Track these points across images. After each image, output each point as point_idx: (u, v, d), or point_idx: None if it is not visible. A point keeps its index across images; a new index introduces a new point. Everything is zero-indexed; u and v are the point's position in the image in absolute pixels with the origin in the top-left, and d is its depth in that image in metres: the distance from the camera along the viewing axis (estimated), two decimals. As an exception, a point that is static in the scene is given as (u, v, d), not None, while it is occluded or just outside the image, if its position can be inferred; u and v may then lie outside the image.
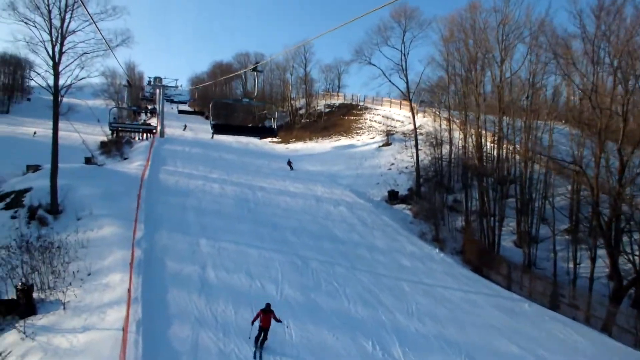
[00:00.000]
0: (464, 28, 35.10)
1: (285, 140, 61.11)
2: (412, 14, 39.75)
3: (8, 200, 27.53)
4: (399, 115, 55.36)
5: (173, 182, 32.24)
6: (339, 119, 63.41)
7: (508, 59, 34.21)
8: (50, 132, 27.97)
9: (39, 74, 27.34)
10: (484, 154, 34.18)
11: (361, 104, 65.55)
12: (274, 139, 63.55)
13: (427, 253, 24.69)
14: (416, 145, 37.97)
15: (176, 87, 55.00)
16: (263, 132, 28.29)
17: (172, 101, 64.98)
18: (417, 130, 48.84)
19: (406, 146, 45.64)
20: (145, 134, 51.06)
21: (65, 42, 25.94)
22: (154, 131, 47.28)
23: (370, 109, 62.51)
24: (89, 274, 17.75)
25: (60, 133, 26.85)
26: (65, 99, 73.01)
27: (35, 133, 58.02)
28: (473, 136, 34.25)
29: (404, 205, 34.89)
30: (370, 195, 36.63)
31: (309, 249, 22.18)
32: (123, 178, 31.50)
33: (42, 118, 62.83)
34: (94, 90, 76.04)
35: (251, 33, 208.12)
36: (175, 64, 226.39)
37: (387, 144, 48.39)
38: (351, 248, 23.26)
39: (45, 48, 25.57)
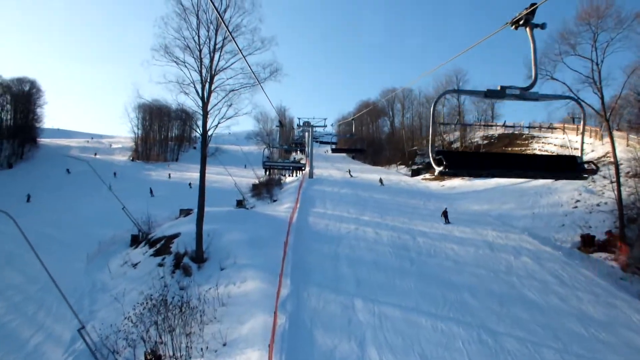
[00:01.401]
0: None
1: (440, 178, 55.59)
2: (606, 11, 31.50)
3: (158, 246, 26.73)
4: (577, 143, 46.73)
5: (323, 226, 29.11)
6: (501, 150, 56.23)
7: None
8: (208, 176, 26.96)
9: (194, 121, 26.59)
10: None
11: (526, 132, 57.67)
12: (427, 176, 58.75)
13: (666, 328, 17.53)
14: (617, 178, 30.08)
15: (324, 126, 53.35)
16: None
17: (320, 142, 63.80)
18: (606, 159, 40.47)
19: (593, 179, 37.60)
20: (295, 172, 50.35)
21: (214, 80, 24.68)
22: (303, 168, 45.89)
23: (537, 137, 54.42)
24: (224, 344, 14.67)
25: (215, 177, 26.03)
26: (220, 145, 76.68)
27: (190, 185, 60.47)
28: None
29: (604, 254, 27.32)
30: (556, 240, 29.62)
31: (498, 318, 16.75)
32: (271, 222, 29.29)
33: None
34: (247, 134, 79.09)
35: (398, 68, 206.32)
36: (323, 108, 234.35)
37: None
38: (555, 318, 17.24)
39: (195, 88, 24.55)
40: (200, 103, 24.48)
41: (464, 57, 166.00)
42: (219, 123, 24.86)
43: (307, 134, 56.62)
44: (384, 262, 22.66)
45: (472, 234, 29.56)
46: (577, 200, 34.92)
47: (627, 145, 40.23)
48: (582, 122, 8.16)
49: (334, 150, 56.69)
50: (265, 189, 50.87)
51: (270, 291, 18.09)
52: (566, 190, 37.69)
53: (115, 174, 66.49)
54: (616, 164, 30.48)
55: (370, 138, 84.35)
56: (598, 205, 33.03)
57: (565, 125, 51.48)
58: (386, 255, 23.83)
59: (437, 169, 6.56)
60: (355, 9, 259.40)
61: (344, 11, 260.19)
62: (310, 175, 51.52)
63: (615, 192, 29.76)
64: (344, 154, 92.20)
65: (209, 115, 24.65)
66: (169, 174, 71.53)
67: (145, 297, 18.23)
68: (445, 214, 32.51)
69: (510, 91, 6.67)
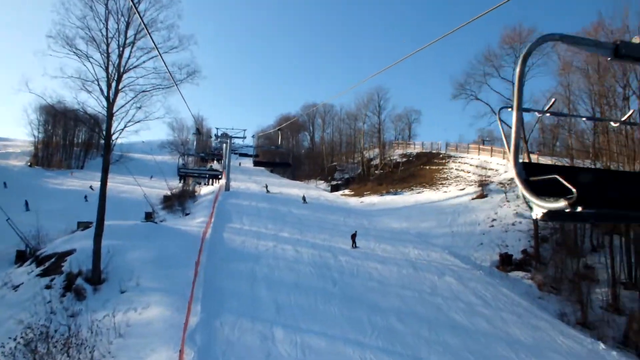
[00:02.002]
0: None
1: (359, 193, 55.34)
2: (527, 36, 32.62)
3: (47, 264, 23.15)
4: (491, 164, 48.29)
5: (239, 243, 26.92)
6: (419, 169, 57.15)
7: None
8: (116, 186, 23.80)
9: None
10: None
11: (443, 152, 59.14)
12: (346, 192, 58.25)
13: (591, 350, 17.36)
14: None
15: (244, 137, 50.96)
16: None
17: (240, 154, 61.05)
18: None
19: (507, 198, 38.67)
20: (211, 180, 47.19)
21: (123, 78, 21.89)
22: (220, 177, 43.19)
23: (454, 157, 55.92)
24: (119, 389, 12.17)
25: (125, 187, 22.89)
26: (132, 154, 71.66)
27: (92, 187, 55.72)
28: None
29: (522, 273, 27.64)
30: (475, 259, 29.65)
31: (429, 345, 15.59)
32: (182, 238, 26.59)
33: (112, 173, 61.28)
34: (162, 143, 74.87)
35: (320, 83, 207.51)
36: (242, 120, 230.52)
37: (482, 195, 41.37)
38: (484, 344, 16.42)
39: (99, 86, 21.59)
40: (104, 103, 21.56)
41: (390, 75, 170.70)
42: (125, 127, 22.03)
43: (224, 145, 53.97)
44: (306, 283, 20.96)
45: (394, 253, 28.74)
46: (494, 219, 35.51)
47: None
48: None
49: (256, 164, 54.25)
50: (178, 201, 47.42)
51: (177, 319, 15.71)
52: (483, 209, 38.39)
53: (5, 184, 59.29)
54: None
55: (279, 155, 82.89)
56: (513, 224, 33.72)
57: (481, 147, 53.29)
58: (307, 276, 22.15)
59: (538, 205, 2.97)
60: (276, 22, 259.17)
61: (264, 22, 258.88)
62: (227, 188, 48.89)
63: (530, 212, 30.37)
64: (262, 167, 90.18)
65: (114, 118, 21.77)
66: (89, 185, 64.96)
67: (25, 327, 15.13)
68: (353, 237, 28.66)
69: None
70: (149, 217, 42.59)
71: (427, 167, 56.26)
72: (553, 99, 5.57)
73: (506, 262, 28.42)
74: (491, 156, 50.15)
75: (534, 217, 3.20)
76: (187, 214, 40.61)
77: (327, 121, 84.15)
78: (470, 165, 50.51)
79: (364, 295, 20.03)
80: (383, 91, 68.95)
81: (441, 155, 58.21)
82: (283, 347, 14.31)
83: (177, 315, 16.05)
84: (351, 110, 76.49)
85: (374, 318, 17.32)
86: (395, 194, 51.07)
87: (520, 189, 3.12)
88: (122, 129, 22.20)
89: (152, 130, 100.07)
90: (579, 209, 2.79)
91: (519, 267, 28.34)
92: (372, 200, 51.15)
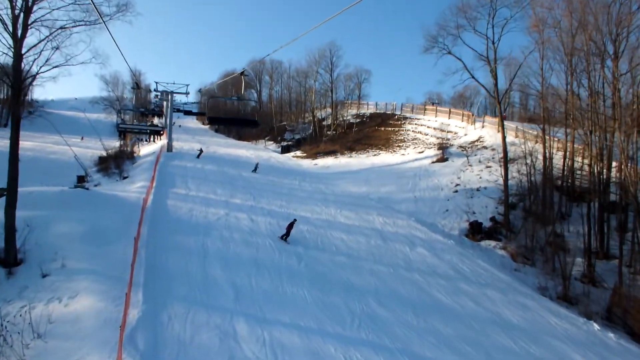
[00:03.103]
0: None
1: (312, 155, 52.53)
2: None
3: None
4: (450, 126, 46.62)
5: (186, 212, 23.63)
6: (374, 130, 54.88)
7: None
8: (44, 146, 19.51)
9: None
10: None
11: (398, 113, 57.05)
12: (298, 153, 55.31)
13: (587, 332, 15.79)
14: (505, 163, 29.07)
15: (187, 93, 46.25)
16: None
17: (183, 111, 55.71)
18: (479, 143, 40.51)
19: (469, 162, 37.19)
20: (153, 137, 42.44)
21: (33, 9, 17.51)
22: (162, 132, 38.84)
23: (410, 118, 53.96)
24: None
25: (54, 148, 18.79)
26: (63, 112, 64.70)
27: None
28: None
29: (492, 242, 26.12)
30: (443, 227, 27.89)
31: (419, 336, 13.34)
32: (118, 206, 22.90)
33: (41, 132, 55.00)
34: (93, 98, 68.55)
35: (270, 39, 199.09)
36: (183, 76, 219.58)
37: (442, 159, 39.74)
38: (479, 330, 14.40)
39: (2, 20, 17.14)
40: (10, 42, 17.20)
41: (340, 31, 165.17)
42: (38, 72, 17.79)
43: (165, 102, 49.05)
44: (267, 259, 18.18)
45: (358, 220, 26.48)
46: (457, 184, 33.90)
47: (498, 132, 40.52)
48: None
49: (211, 121, 48.97)
50: (115, 163, 42.86)
51: (113, 313, 12.57)
52: (445, 173, 36.74)
53: None
54: (505, 150, 29.52)
55: (235, 112, 78.10)
56: (478, 190, 32.22)
57: (439, 109, 51.51)
58: (268, 250, 19.36)
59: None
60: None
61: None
62: (169, 148, 44.72)
63: (502, 179, 28.80)
64: (206, 127, 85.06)
65: (24, 61, 17.45)
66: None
67: None
68: (290, 227, 21.46)
69: None
70: (81, 180, 38.05)
71: (382, 129, 54.09)
72: None
73: (476, 231, 26.81)
74: (449, 118, 48.50)
75: None
76: (125, 178, 36.45)
77: (275, 78, 79.83)
78: (428, 127, 48.71)
79: (335, 273, 17.54)
80: (336, 47, 65.69)
81: (396, 117, 56.13)
82: (249, 348, 11.55)
83: (113, 308, 12.89)
84: (302, 67, 72.65)
85: (351, 302, 14.87)
86: (351, 156, 48.66)
87: None
88: (35, 75, 17.99)
89: (86, 87, 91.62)
90: None
91: (489, 235, 26.82)
92: (326, 162, 48.55)
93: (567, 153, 29.47)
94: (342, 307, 14.49)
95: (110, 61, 68.20)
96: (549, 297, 19.63)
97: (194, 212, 23.78)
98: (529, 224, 26.40)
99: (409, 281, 17.87)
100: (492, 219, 28.44)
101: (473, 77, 32.86)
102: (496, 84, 30.74)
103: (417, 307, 15.37)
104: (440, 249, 23.03)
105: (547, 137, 29.22)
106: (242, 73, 15.38)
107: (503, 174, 28.61)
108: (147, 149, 51.46)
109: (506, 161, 28.95)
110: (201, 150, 43.64)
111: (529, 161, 29.09)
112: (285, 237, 20.89)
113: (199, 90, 56.06)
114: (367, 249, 21.34)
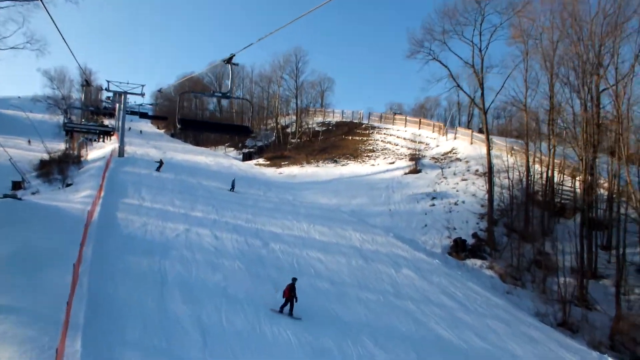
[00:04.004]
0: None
1: (276, 164, 49.80)
2: None
3: None
4: (420, 136, 44.98)
5: (139, 227, 20.46)
6: (340, 139, 52.71)
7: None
8: None
9: None
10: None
11: (365, 122, 55.16)
12: (260, 161, 52.47)
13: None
14: (490, 178, 27.33)
15: (142, 94, 42.34)
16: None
17: (141, 114, 50.58)
18: (453, 155, 39.00)
19: (444, 174, 35.49)
20: (103, 137, 38.10)
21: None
22: (112, 134, 34.94)
23: (378, 128, 52.14)
24: None
25: None
26: (3, 111, 59.42)
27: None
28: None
29: (479, 262, 24.26)
30: (424, 243, 25.87)
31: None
32: (58, 220, 19.39)
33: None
34: (35, 97, 63.45)
35: (229, 42, 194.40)
36: (137, 77, 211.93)
37: (415, 170, 37.91)
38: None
39: None
40: None
41: (307, 36, 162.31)
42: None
43: (117, 104, 44.96)
44: (238, 288, 15.36)
45: (334, 237, 24.02)
46: (434, 197, 32.04)
47: (471, 144, 39.30)
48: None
49: (184, 125, 43.70)
50: (58, 168, 38.75)
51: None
52: (419, 185, 34.88)
53: None
54: (489, 165, 27.78)
55: (192, 116, 74.11)
56: (456, 204, 30.45)
57: (408, 118, 49.94)
58: (237, 276, 16.55)
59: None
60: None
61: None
62: (121, 153, 40.96)
63: (487, 194, 27.10)
64: (161, 131, 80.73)
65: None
66: None
67: None
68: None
69: None
70: (16, 187, 33.98)
71: (350, 138, 52.01)
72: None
73: (460, 248, 24.92)
74: (419, 128, 46.94)
75: None
76: (68, 185, 32.49)
77: (236, 82, 76.48)
78: (398, 137, 46.93)
79: (319, 304, 14.95)
80: (302, 52, 63.24)
81: (364, 126, 54.22)
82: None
83: (41, 361, 9.78)
84: (265, 72, 69.87)
85: (344, 345, 12.30)
86: (318, 165, 46.21)
87: None
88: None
89: (31, 86, 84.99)
90: None
91: (473, 253, 24.98)
92: (292, 171, 45.93)
93: (549, 167, 28.19)
94: (334, 352, 11.90)
95: (50, 49, 62.46)
96: (550, 325, 17.88)
97: (149, 227, 20.63)
98: (513, 241, 24.76)
99: (402, 312, 15.50)
100: (475, 235, 26.65)
101: (459, 86, 31.50)
102: (482, 94, 29.21)
103: (418, 346, 13.02)
104: (427, 269, 20.87)
105: (530, 152, 27.90)
106: (229, 60, 10.37)
107: (487, 189, 26.90)
108: (96, 153, 47.36)
109: (491, 176, 27.30)
110: (161, 162, 36.61)
111: (511, 176, 27.62)
112: (282, 308, 13.93)
113: (159, 90, 52.02)
114: (349, 272, 18.87)
